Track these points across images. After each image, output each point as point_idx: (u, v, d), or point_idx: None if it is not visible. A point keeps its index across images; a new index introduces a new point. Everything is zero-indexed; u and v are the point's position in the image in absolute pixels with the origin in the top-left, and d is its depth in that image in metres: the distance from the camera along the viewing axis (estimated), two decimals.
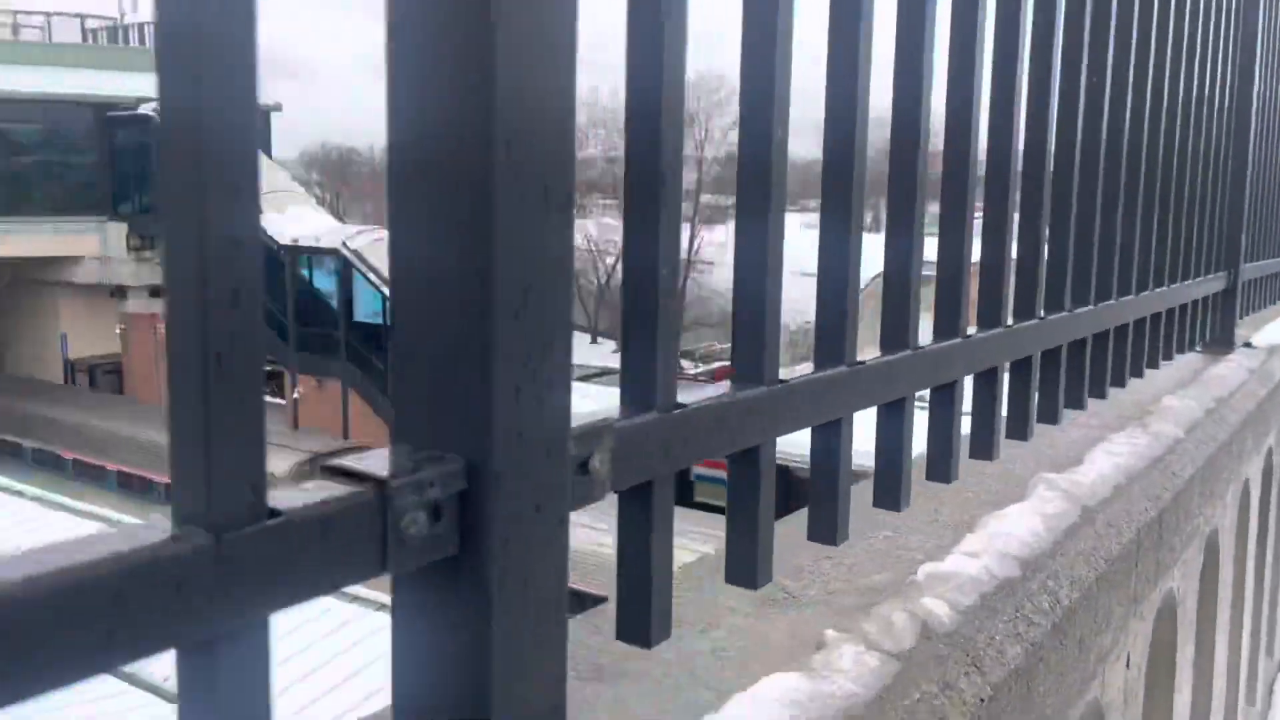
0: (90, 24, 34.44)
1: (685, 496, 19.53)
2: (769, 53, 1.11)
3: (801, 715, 1.17)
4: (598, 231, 52.11)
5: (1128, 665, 2.22)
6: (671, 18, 0.95)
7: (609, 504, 0.95)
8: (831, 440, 1.32)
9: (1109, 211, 2.38)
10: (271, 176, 28.61)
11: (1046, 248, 2.11)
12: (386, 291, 24.59)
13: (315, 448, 22.87)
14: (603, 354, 49.07)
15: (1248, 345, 3.95)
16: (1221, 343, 3.76)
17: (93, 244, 30.38)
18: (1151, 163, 2.63)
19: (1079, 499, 2.00)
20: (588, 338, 51.12)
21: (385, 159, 0.72)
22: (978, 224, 1.75)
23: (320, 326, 26.01)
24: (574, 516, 0.80)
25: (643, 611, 1.00)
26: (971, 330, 1.70)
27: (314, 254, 26.03)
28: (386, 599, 0.78)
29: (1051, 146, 2.03)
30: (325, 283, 26.26)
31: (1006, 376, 1.88)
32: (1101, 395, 2.44)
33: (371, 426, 25.11)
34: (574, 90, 0.74)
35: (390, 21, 0.68)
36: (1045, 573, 1.71)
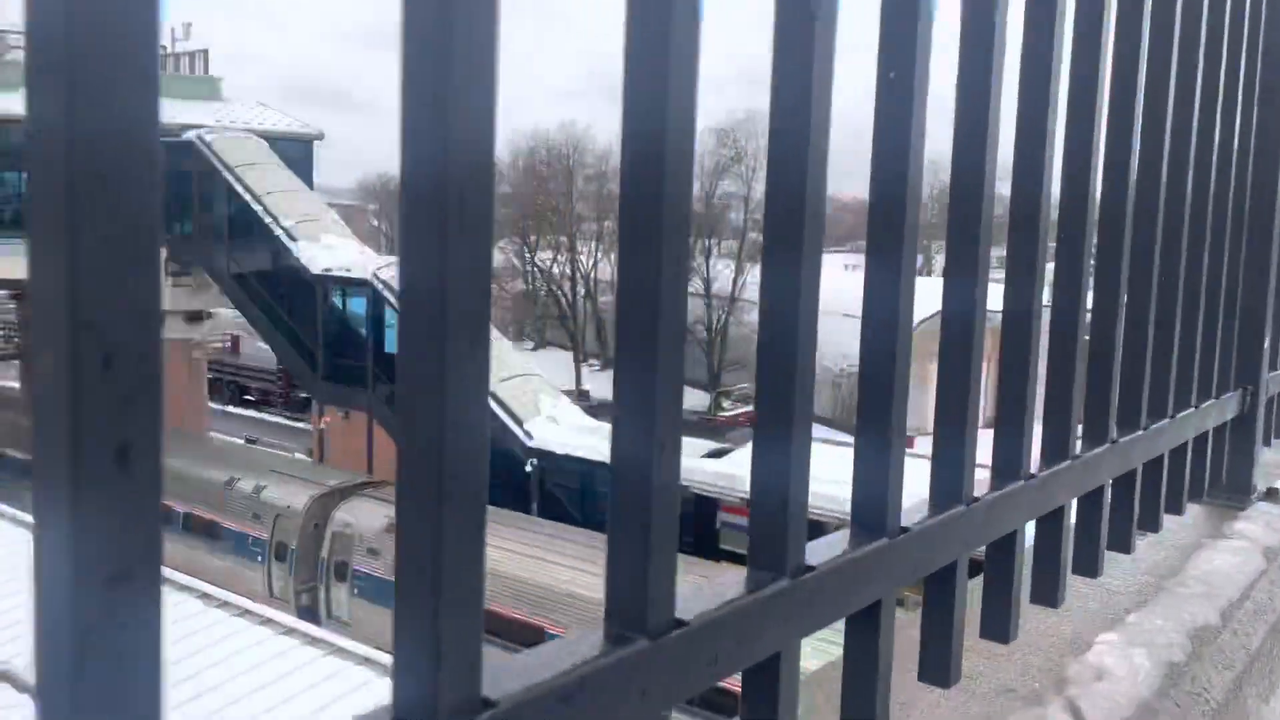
0: None
1: (708, 547, 18.72)
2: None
3: None
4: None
5: None
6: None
7: None
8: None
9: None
10: (307, 205, 28.54)
11: None
12: None
13: (332, 482, 22.45)
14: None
15: (1271, 494, 2.74)
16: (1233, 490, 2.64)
17: None
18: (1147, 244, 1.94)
19: None
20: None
21: None
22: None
23: (349, 357, 25.70)
24: None
25: None
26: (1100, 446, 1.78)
27: (345, 284, 25.79)
28: None
29: None
30: (355, 313, 25.99)
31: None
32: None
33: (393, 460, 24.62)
34: None
35: None
36: None
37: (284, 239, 26.87)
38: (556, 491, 21.88)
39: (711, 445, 21.47)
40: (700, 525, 19.47)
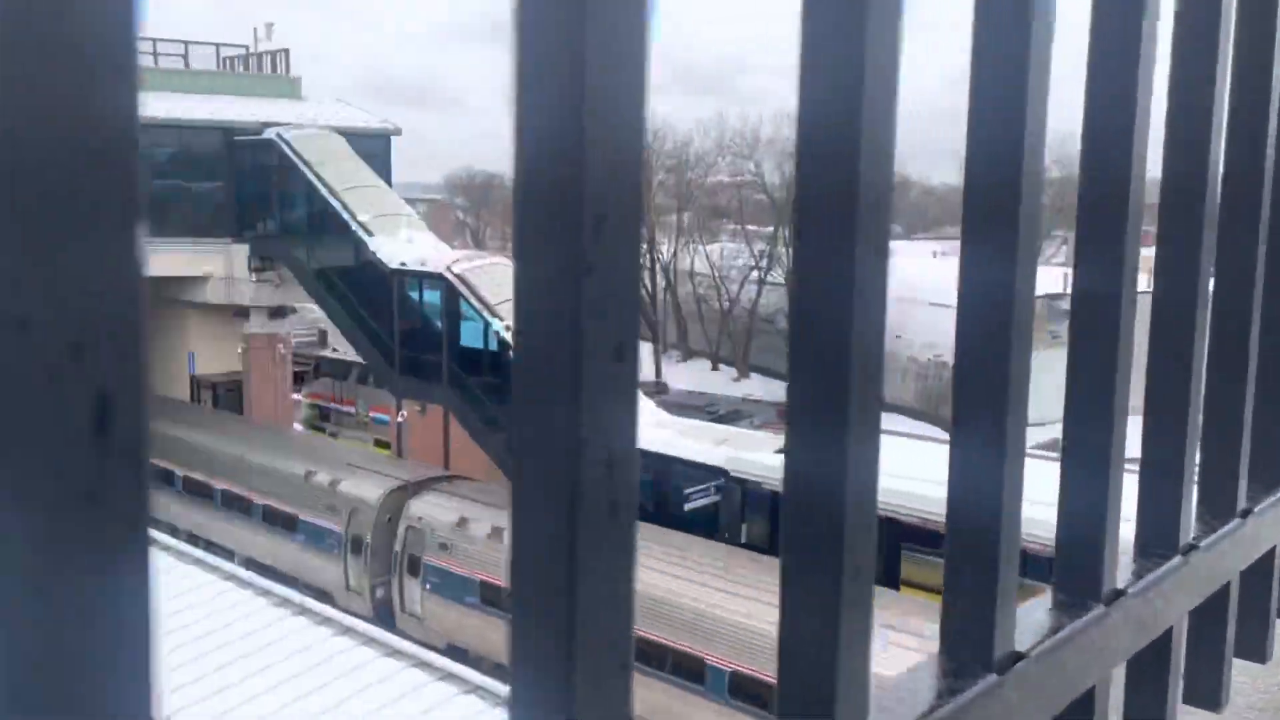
0: (225, 52, 35.58)
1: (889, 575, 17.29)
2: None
3: None
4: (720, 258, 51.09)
5: None
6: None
7: None
8: None
9: None
10: (384, 200, 28.75)
11: None
12: (488, 318, 24.30)
13: (406, 476, 22.55)
14: (723, 381, 47.97)
15: None
16: None
17: (219, 264, 31.18)
18: None
19: None
20: (707, 363, 50.06)
21: None
22: None
23: (425, 351, 25.78)
24: None
25: None
26: None
27: (420, 278, 25.87)
28: None
29: None
30: (430, 308, 26.06)
31: None
32: None
33: (470, 454, 24.68)
34: None
35: None
36: None
37: (361, 234, 27.09)
38: None
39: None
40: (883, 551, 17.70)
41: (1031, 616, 1.00)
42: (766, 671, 12.94)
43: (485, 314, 24.03)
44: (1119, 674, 1.14)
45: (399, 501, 21.44)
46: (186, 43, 34.34)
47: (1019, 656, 0.94)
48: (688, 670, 16.46)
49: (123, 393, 0.43)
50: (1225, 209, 1.37)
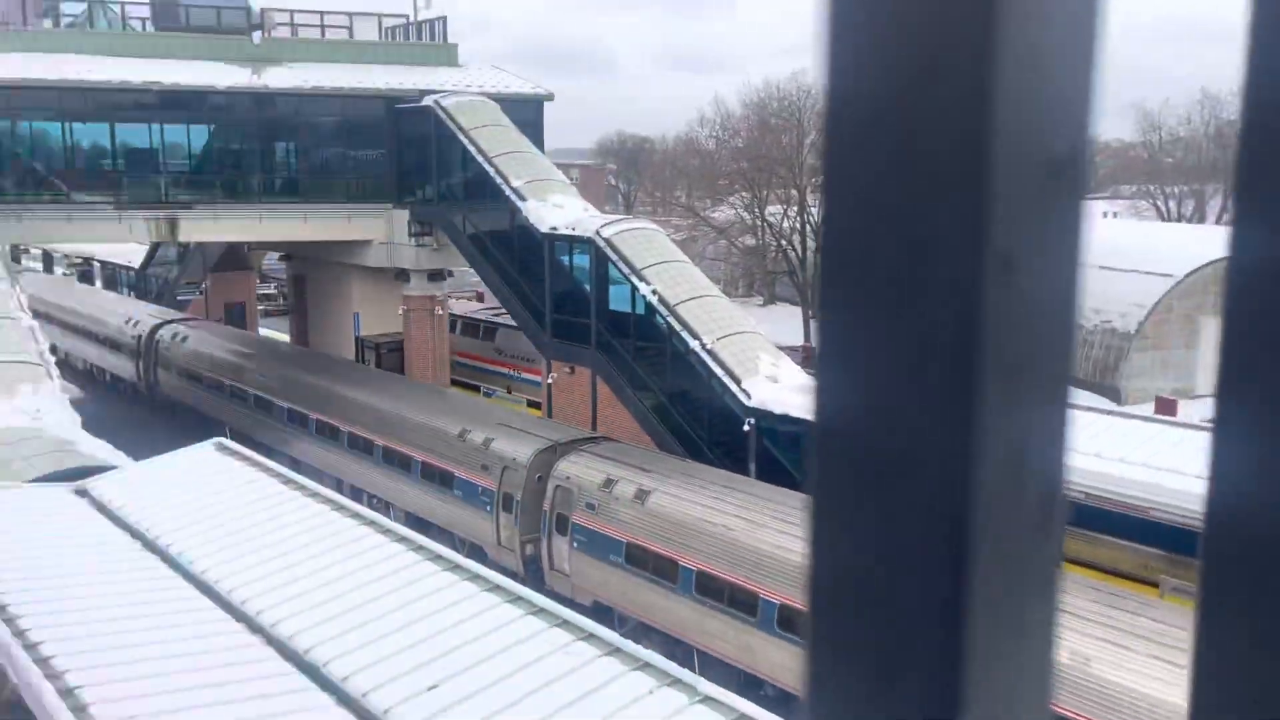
0: (387, 22, 36.67)
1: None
2: None
3: None
4: None
5: None
6: None
7: None
8: None
9: None
10: (536, 165, 29.19)
11: None
12: (635, 282, 24.43)
13: (555, 436, 23.00)
14: None
15: None
16: None
17: (380, 229, 32.38)
18: None
19: None
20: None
21: None
22: None
23: (574, 314, 26.18)
24: None
25: None
26: None
27: (570, 242, 26.23)
28: None
29: None
30: (580, 271, 26.40)
31: None
32: None
33: (616, 416, 25.00)
34: None
35: None
36: None
37: (514, 199, 27.62)
38: (774, 452, 21.44)
39: None
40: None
41: None
42: None
43: (633, 278, 24.18)
44: None
45: (548, 461, 21.93)
46: (351, 14, 35.55)
47: None
48: None
49: None
50: None
